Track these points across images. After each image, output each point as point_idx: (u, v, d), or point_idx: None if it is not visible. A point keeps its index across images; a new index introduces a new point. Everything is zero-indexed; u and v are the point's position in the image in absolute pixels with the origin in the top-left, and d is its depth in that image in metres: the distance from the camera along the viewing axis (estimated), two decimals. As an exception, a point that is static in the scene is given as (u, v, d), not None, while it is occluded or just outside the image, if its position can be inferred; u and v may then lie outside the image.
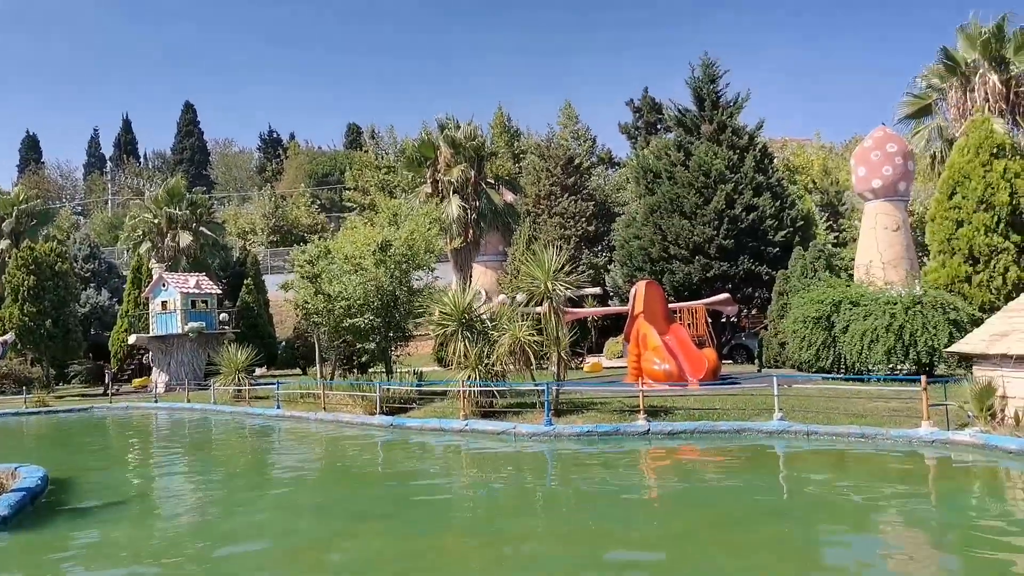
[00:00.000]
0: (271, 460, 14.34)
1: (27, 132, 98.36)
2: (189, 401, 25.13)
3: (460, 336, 15.26)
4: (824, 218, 38.70)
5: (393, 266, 18.12)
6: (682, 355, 18.35)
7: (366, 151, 73.38)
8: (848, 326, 17.49)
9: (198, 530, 8.94)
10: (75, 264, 39.72)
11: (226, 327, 33.57)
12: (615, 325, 31.30)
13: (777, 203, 27.69)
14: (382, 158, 69.40)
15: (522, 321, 15.80)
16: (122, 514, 9.74)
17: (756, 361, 23.36)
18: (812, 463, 11.18)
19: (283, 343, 38.63)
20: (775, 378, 13.62)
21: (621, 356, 28.96)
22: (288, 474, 12.53)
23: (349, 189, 68.35)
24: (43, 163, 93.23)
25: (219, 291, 34.09)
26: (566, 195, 46.41)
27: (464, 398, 14.98)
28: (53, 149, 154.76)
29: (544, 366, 18.04)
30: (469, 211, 31.92)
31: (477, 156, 32.94)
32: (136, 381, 32.75)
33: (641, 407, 13.70)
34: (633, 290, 21.09)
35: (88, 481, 12.32)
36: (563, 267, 15.34)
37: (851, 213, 39.06)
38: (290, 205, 74.27)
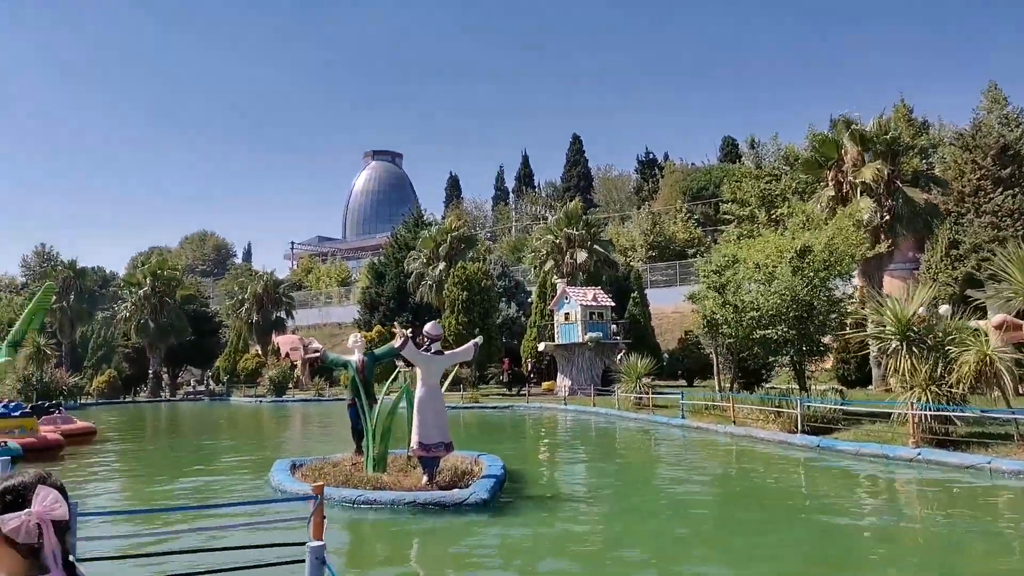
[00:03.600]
0: (689, 471, 14.07)
1: (450, 173, 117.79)
2: (595, 405, 26.67)
3: (905, 351, 13.21)
4: None
5: (812, 274, 16.65)
6: None
7: (743, 163, 71.31)
8: None
9: (634, 531, 8.94)
10: (491, 282, 45.71)
11: (617, 337, 35.27)
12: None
13: None
14: (763, 167, 66.65)
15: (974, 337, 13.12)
16: (573, 506, 10.31)
17: None
18: None
19: (666, 355, 39.18)
20: None
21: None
22: (710, 489, 12.08)
23: (726, 202, 67.02)
24: (462, 198, 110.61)
25: (612, 304, 35.88)
26: (999, 190, 38.89)
27: (914, 423, 12.88)
28: (469, 187, 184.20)
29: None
30: (881, 213, 28.35)
31: (890, 151, 29.15)
32: (545, 384, 36.17)
33: None
34: None
35: (533, 472, 13.52)
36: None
37: None
38: (667, 221, 75.79)
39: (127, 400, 49.47)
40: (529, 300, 50.53)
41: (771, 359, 18.60)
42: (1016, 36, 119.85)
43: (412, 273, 48.68)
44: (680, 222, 76.12)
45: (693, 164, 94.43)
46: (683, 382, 37.51)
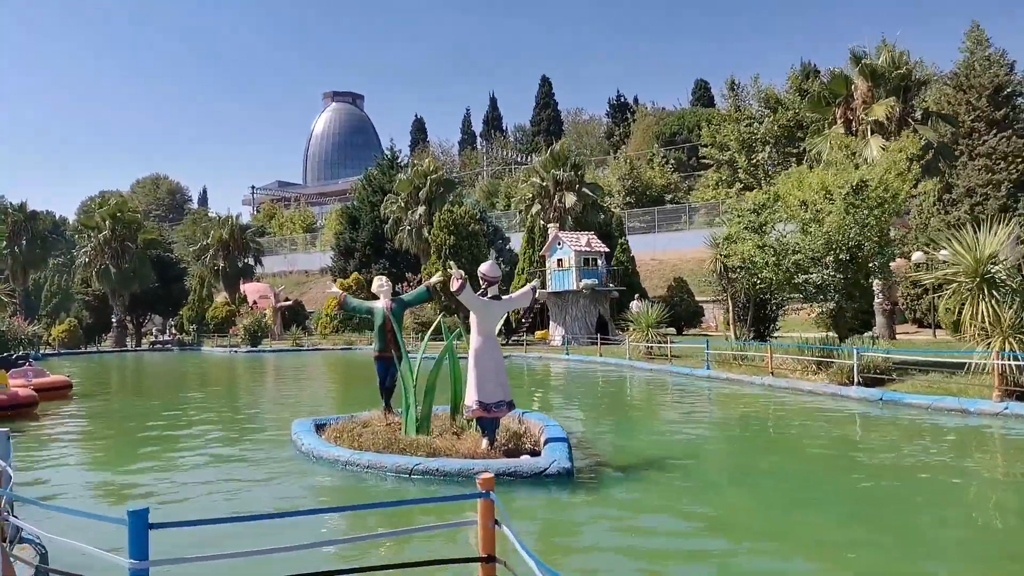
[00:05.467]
0: (757, 430, 12.90)
1: (416, 115, 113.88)
2: (601, 355, 25.51)
3: (983, 295, 12.16)
4: None
5: (867, 212, 15.40)
6: None
7: (718, 106, 70.02)
8: None
9: (719, 496, 7.73)
10: (478, 226, 43.82)
11: (610, 284, 34.15)
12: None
13: None
14: (741, 110, 65.34)
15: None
16: (655, 477, 9.01)
17: None
18: None
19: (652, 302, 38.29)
20: None
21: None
22: (794, 452, 10.93)
23: (705, 146, 65.95)
24: (428, 142, 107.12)
25: (606, 249, 34.60)
26: (993, 131, 38.44)
27: (997, 374, 11.91)
28: (434, 130, 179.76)
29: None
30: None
31: (902, 88, 27.99)
32: (538, 333, 34.95)
33: None
34: None
35: (578, 433, 12.23)
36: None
37: None
38: (643, 167, 74.37)
39: (91, 350, 46.89)
40: (508, 247, 48.90)
41: (806, 305, 17.46)
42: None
43: (389, 218, 46.52)
44: (656, 167, 74.89)
45: (664, 108, 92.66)
46: (672, 330, 36.68)
